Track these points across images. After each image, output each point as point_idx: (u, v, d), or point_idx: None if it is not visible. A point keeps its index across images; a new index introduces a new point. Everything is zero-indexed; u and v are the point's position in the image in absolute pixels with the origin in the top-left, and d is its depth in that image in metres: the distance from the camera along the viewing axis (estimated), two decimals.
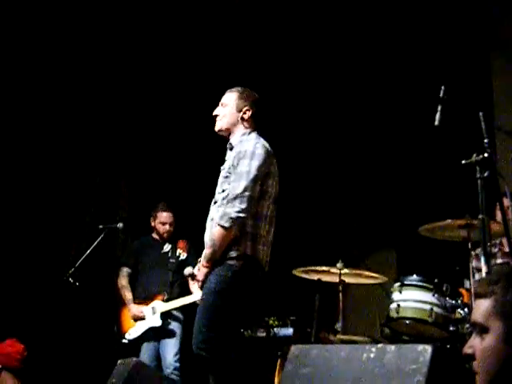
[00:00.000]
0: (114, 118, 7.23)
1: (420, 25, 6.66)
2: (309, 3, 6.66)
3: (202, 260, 3.94)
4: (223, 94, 4.33)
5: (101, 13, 6.58)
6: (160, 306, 5.76)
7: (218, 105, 4.30)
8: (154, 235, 6.18)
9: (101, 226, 5.65)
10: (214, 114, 4.25)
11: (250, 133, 4.16)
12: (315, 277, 5.19)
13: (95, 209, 7.05)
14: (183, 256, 5.83)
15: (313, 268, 5.10)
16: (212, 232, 3.92)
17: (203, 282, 3.94)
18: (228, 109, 4.20)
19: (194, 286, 5.54)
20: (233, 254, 3.87)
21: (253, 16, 6.84)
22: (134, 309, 5.83)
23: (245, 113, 4.18)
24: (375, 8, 6.71)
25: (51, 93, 6.73)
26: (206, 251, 3.93)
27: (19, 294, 6.13)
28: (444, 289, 4.44)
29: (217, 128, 4.23)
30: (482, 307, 1.82)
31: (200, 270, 3.95)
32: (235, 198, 3.82)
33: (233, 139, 4.17)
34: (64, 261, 6.15)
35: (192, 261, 5.43)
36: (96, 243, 5.51)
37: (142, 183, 7.33)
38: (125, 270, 6.09)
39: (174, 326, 5.81)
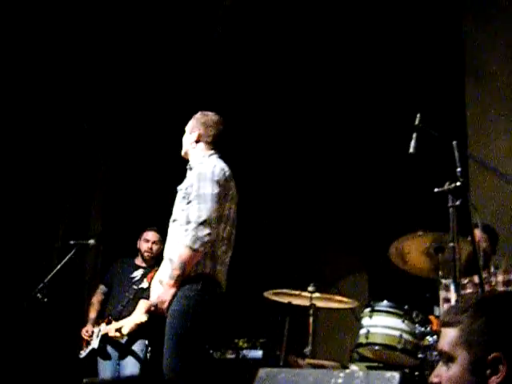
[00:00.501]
0: (88, 125, 7.17)
1: (395, 53, 6.74)
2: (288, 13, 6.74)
3: (169, 280, 3.88)
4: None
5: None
6: (103, 328, 5.75)
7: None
8: (137, 260, 6.13)
9: (72, 242, 5.59)
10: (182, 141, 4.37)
11: (210, 155, 4.22)
12: (286, 300, 5.18)
13: (68, 222, 6.97)
14: (144, 284, 5.79)
15: (284, 291, 5.09)
16: (179, 253, 3.87)
17: (169, 304, 3.89)
18: (186, 135, 4.35)
19: (138, 310, 5.54)
20: (192, 273, 3.88)
21: (241, 19, 6.88)
22: (84, 329, 5.85)
23: (198, 137, 4.28)
24: (351, 31, 6.79)
25: (25, 98, 6.66)
26: (174, 272, 3.87)
27: None
28: (414, 315, 4.46)
29: (182, 154, 4.37)
30: (448, 336, 1.83)
31: (165, 291, 3.89)
32: (204, 222, 3.83)
33: (192, 161, 4.25)
34: (34, 276, 6.07)
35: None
36: (66, 259, 5.45)
37: (117, 197, 7.26)
38: (100, 288, 6.11)
39: (135, 345, 5.75)
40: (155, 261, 5.93)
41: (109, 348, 5.77)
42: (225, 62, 7.07)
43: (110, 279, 6.11)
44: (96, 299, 6.05)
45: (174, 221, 4.08)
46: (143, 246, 6.07)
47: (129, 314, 5.67)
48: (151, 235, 6.06)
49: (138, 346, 5.73)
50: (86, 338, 5.79)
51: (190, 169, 4.20)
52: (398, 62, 6.72)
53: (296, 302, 5.17)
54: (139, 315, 5.49)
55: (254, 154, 7.04)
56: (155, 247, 6.01)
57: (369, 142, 6.97)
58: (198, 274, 3.89)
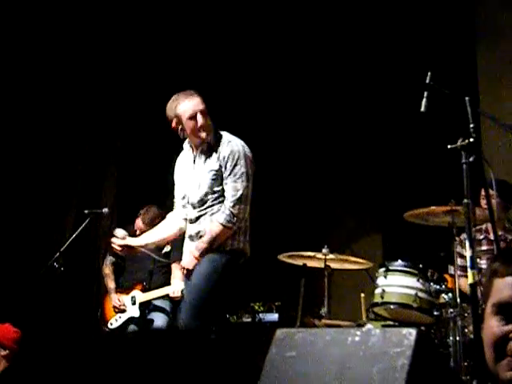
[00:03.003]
0: (101, 100, 7.16)
1: (404, 9, 6.66)
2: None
3: (195, 251, 4.12)
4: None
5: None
6: (139, 296, 5.76)
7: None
8: None
9: (86, 211, 5.61)
10: (205, 124, 4.24)
11: (221, 133, 4.29)
12: (300, 262, 5.20)
13: (81, 192, 6.99)
14: (167, 249, 5.82)
15: (298, 253, 5.11)
16: (211, 228, 4.11)
17: (189, 271, 4.13)
18: (207, 116, 4.29)
19: (176, 276, 5.61)
20: (227, 246, 4.15)
21: (239, 14, 6.85)
22: (115, 298, 5.83)
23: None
24: None
25: (35, 79, 6.67)
26: (202, 245, 4.12)
27: (5, 279, 6.10)
28: (428, 274, 4.46)
29: (206, 139, 4.27)
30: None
31: (190, 261, 4.14)
32: (240, 199, 4.11)
33: (210, 140, 4.26)
34: (49, 246, 6.11)
35: (177, 255, 5.48)
36: (81, 228, 5.47)
37: (131, 168, 7.26)
38: (109, 259, 6.11)
39: (159, 316, 5.79)
40: None
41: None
42: (232, 52, 7.04)
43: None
44: (108, 269, 6.06)
45: (201, 202, 4.21)
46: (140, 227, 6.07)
47: (159, 280, 5.73)
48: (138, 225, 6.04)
49: (160, 318, 5.78)
50: (118, 307, 5.80)
51: (209, 150, 4.23)
52: (410, 23, 6.64)
53: (310, 264, 5.19)
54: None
55: (266, 122, 7.02)
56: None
57: (380, 101, 6.92)
58: (232, 249, 4.16)
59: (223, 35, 7.00)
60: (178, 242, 5.74)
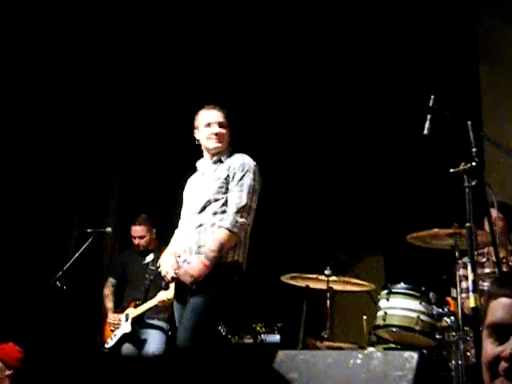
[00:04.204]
0: (103, 114, 7.17)
1: (410, 34, 6.70)
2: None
3: (205, 260, 4.04)
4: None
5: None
6: (131, 312, 5.81)
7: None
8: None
9: (89, 230, 5.64)
10: (219, 133, 4.35)
11: (233, 151, 4.41)
12: (303, 284, 5.20)
13: (85, 210, 7.00)
14: (149, 258, 5.88)
15: (301, 275, 5.11)
16: (217, 236, 4.09)
17: (196, 281, 4.04)
18: (226, 130, 4.40)
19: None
20: (227, 258, 4.12)
21: (240, 18, 6.89)
22: (110, 317, 5.94)
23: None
24: (366, 13, 6.76)
25: (38, 93, 6.68)
26: (212, 254, 4.06)
27: (8, 297, 6.10)
28: (431, 297, 4.46)
29: (217, 147, 4.36)
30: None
31: (198, 268, 4.04)
32: (244, 208, 4.12)
33: (221, 154, 4.37)
34: (52, 264, 6.12)
35: None
36: (84, 247, 5.49)
37: (135, 186, 7.26)
38: (109, 281, 6.24)
39: (154, 334, 5.80)
40: (157, 243, 6.09)
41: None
42: (235, 56, 7.07)
43: (122, 270, 6.21)
44: (108, 291, 6.19)
45: (203, 209, 4.21)
46: (133, 241, 6.16)
47: (154, 296, 5.73)
48: (134, 231, 6.13)
49: (156, 336, 5.79)
50: (113, 324, 5.85)
51: (220, 161, 4.33)
52: (413, 46, 6.68)
53: (313, 285, 5.19)
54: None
55: (268, 139, 7.04)
56: (142, 241, 6.09)
57: (383, 123, 6.94)
58: (232, 262, 4.13)
59: (223, 41, 7.01)
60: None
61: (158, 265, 5.87)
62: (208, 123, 4.35)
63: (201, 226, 4.19)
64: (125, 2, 6.99)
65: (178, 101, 6.96)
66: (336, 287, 5.15)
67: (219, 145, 4.35)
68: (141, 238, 6.11)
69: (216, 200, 4.19)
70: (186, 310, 4.07)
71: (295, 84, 7.20)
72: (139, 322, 5.81)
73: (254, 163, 4.30)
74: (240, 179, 4.19)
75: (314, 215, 7.22)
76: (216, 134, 4.33)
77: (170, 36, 7.05)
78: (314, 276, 5.06)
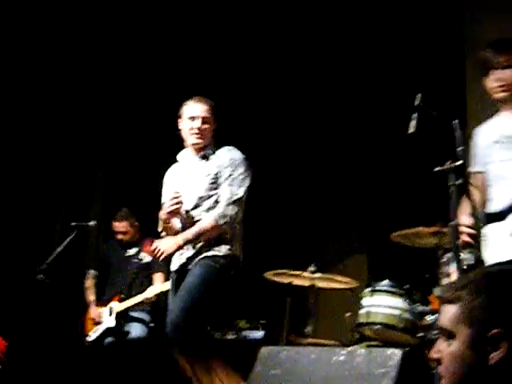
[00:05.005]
0: (88, 108, 7.11)
1: (396, 32, 6.71)
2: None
3: (179, 239, 4.08)
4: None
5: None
6: (116, 306, 5.78)
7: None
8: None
9: (73, 224, 5.60)
10: (197, 128, 4.28)
11: (218, 145, 4.36)
12: (287, 280, 5.20)
13: (68, 204, 6.96)
14: (147, 259, 5.82)
15: (284, 271, 5.11)
16: (202, 223, 4.10)
17: (162, 254, 4.07)
18: (210, 125, 4.32)
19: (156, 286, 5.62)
20: (225, 251, 4.11)
21: (230, 19, 6.87)
22: (93, 311, 5.91)
23: (215, 126, 4.38)
24: (352, 11, 6.76)
25: (25, 87, 6.65)
26: (188, 236, 4.08)
27: None
28: (414, 295, 4.48)
29: (197, 143, 4.31)
30: (449, 312, 1.84)
31: (170, 245, 4.08)
32: (235, 201, 4.12)
33: (207, 149, 4.32)
34: (35, 257, 6.08)
35: (158, 264, 5.51)
36: (67, 241, 5.46)
37: (119, 178, 7.22)
38: (91, 273, 6.19)
39: (135, 327, 5.78)
40: (139, 236, 6.06)
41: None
42: (223, 55, 7.04)
43: (104, 262, 6.18)
44: (90, 283, 6.14)
45: (196, 207, 4.20)
46: (116, 235, 6.13)
47: (139, 289, 5.72)
48: (116, 227, 6.10)
49: (139, 328, 5.77)
50: (96, 319, 5.83)
51: (207, 157, 4.29)
52: (399, 42, 6.69)
53: (297, 282, 5.19)
54: (163, 285, 5.51)
55: (254, 135, 7.02)
56: (125, 236, 6.07)
57: (368, 121, 6.94)
58: (229, 254, 4.12)
59: (212, 34, 6.95)
60: None
61: (140, 257, 5.87)
62: (191, 117, 4.29)
63: (195, 223, 4.17)
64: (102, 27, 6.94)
65: (162, 92, 6.92)
66: (320, 284, 5.17)
67: (200, 141, 4.29)
68: (123, 233, 6.08)
69: (209, 197, 4.19)
70: (180, 292, 4.05)
71: (285, 81, 7.18)
72: (124, 317, 5.79)
73: (243, 156, 4.29)
74: (230, 174, 4.18)
75: (298, 212, 7.22)
76: (198, 129, 4.28)
77: (152, 27, 6.99)
78: (298, 273, 5.06)
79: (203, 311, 4.03)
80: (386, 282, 4.56)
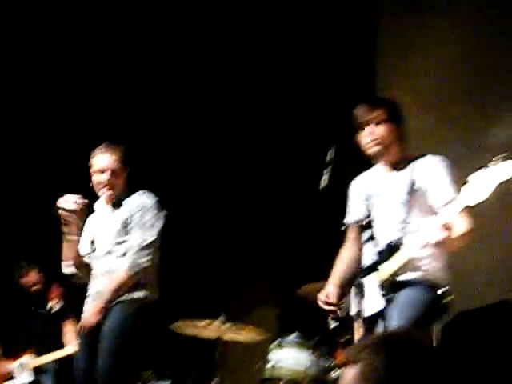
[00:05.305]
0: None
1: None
2: None
3: (100, 303, 4.04)
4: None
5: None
6: (29, 361, 5.55)
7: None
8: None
9: None
10: (107, 181, 4.23)
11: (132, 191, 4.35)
12: (194, 331, 5.13)
13: None
14: (56, 307, 5.64)
15: (192, 322, 5.03)
16: (116, 277, 4.06)
17: (89, 328, 4.02)
18: (120, 175, 4.29)
19: (68, 336, 5.45)
20: (140, 296, 4.10)
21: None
22: (1, 367, 5.67)
23: (127, 173, 4.35)
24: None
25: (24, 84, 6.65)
26: (106, 296, 4.04)
27: None
28: (321, 349, 4.47)
29: (107, 195, 4.28)
30: (349, 374, 1.83)
31: (92, 314, 4.04)
32: (144, 248, 4.08)
33: (119, 197, 4.29)
34: None
35: (69, 310, 5.38)
36: None
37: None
38: None
39: (47, 378, 5.60)
40: (46, 285, 5.89)
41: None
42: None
43: (11, 313, 5.94)
44: None
45: (109, 253, 4.18)
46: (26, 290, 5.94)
47: (50, 341, 5.53)
48: (25, 280, 5.92)
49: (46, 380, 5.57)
50: (5, 374, 5.59)
51: (119, 204, 4.26)
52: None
53: (204, 333, 5.12)
54: None
55: (168, 181, 6.95)
56: (38, 286, 5.92)
57: (276, 175, 6.99)
58: (144, 298, 4.11)
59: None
60: (68, 299, 5.64)
61: (49, 307, 5.69)
62: (100, 170, 4.25)
63: (107, 270, 4.14)
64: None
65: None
66: (228, 336, 5.10)
67: (110, 193, 4.26)
68: (35, 284, 5.89)
69: (120, 243, 4.15)
70: (100, 338, 4.01)
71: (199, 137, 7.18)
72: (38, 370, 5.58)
73: (155, 200, 4.26)
74: (141, 218, 4.14)
75: (209, 262, 7.14)
76: (107, 182, 4.24)
77: None
78: (205, 324, 5.00)
79: (125, 357, 4.02)
80: (294, 335, 4.54)
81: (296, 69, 6.86)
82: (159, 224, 4.20)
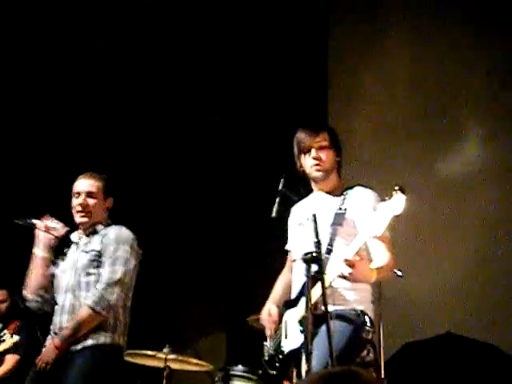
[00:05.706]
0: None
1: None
2: None
3: (57, 341, 3.81)
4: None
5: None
6: None
7: None
8: None
9: None
10: (80, 204, 4.08)
11: (110, 223, 4.17)
12: (140, 361, 5.05)
13: None
14: (12, 339, 5.50)
15: (138, 352, 4.95)
16: (79, 314, 3.84)
17: (48, 365, 3.79)
18: (99, 200, 4.11)
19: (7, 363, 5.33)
20: (107, 340, 3.86)
21: None
22: None
23: (110, 203, 4.18)
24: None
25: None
26: (67, 333, 3.82)
27: None
28: (268, 381, 4.41)
29: (82, 222, 4.10)
30: None
31: (50, 350, 3.81)
32: (115, 283, 3.84)
33: (96, 225, 4.11)
34: None
35: (25, 342, 5.25)
36: None
37: None
38: None
39: None
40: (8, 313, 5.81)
41: None
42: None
43: None
44: None
45: (76, 285, 3.95)
46: None
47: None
48: None
49: None
50: None
51: (94, 232, 4.08)
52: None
53: (150, 363, 5.05)
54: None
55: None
56: (4, 305, 5.81)
57: (227, 205, 6.99)
58: (111, 343, 3.88)
59: None
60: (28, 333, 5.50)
61: (4, 338, 5.53)
62: (76, 192, 4.10)
63: (74, 304, 3.92)
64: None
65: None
66: (174, 366, 5.04)
67: (84, 220, 4.08)
68: (1, 302, 5.77)
69: (88, 274, 3.93)
70: None
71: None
72: None
73: (132, 236, 4.07)
74: (114, 252, 3.93)
75: (155, 292, 7.03)
76: (81, 206, 4.06)
77: None
78: (152, 353, 4.92)
79: None
80: (239, 366, 4.46)
81: (249, 96, 6.89)
82: (132, 261, 3.97)
